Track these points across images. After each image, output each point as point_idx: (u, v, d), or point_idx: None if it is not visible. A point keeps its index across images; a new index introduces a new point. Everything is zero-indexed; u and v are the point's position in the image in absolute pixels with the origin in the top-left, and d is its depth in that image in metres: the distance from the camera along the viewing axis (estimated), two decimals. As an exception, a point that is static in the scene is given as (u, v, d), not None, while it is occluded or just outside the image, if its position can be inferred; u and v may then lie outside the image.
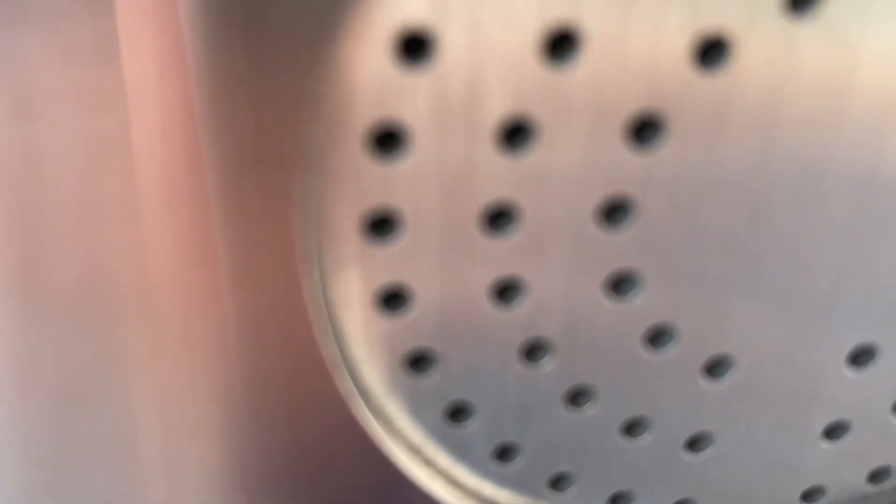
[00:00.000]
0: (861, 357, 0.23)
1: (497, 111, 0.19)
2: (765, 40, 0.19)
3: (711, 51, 0.19)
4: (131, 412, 0.22)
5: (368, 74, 0.18)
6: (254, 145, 0.18)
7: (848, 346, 0.23)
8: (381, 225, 0.20)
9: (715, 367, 0.23)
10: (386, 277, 0.21)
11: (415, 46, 0.18)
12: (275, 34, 0.17)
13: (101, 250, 0.19)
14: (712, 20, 0.18)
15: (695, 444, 0.24)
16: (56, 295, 0.19)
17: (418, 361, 0.22)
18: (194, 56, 0.17)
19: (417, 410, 0.23)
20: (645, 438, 0.24)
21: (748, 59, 0.19)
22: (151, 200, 0.19)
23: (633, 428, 0.24)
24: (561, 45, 0.18)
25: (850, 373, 0.23)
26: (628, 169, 0.20)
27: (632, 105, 0.19)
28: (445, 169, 0.19)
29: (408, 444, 0.23)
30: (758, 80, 0.19)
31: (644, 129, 0.19)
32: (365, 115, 0.18)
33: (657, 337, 0.22)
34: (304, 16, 0.17)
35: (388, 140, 0.19)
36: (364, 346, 0.21)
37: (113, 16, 0.17)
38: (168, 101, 0.18)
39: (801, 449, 0.24)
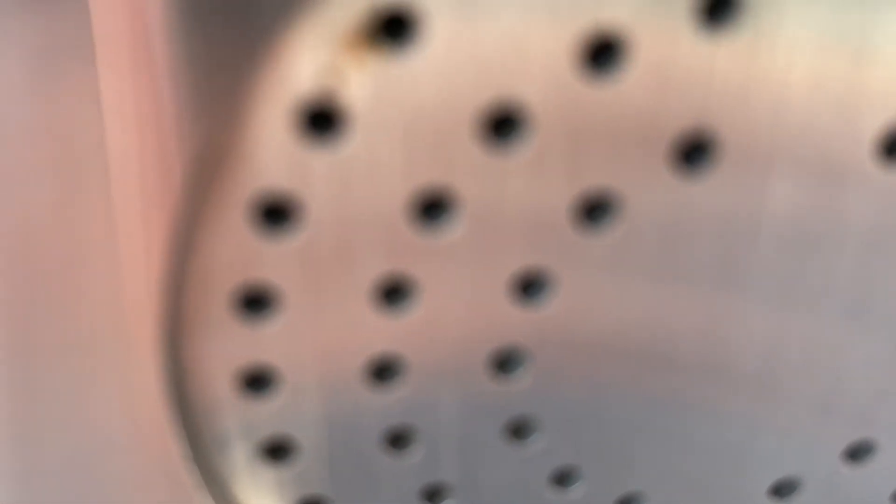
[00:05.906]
0: (783, 489, 0.22)
1: (371, 274, 0.18)
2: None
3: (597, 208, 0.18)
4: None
5: (228, 242, 0.17)
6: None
7: (770, 479, 0.22)
8: (258, 380, 0.19)
9: (628, 504, 0.22)
10: (269, 430, 0.20)
11: (278, 211, 0.17)
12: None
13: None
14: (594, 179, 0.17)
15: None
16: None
17: (310, 509, 0.21)
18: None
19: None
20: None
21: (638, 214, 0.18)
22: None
23: (544, 566, 0.23)
24: (434, 207, 0.18)
25: (772, 505, 0.22)
26: (517, 324, 0.19)
27: (514, 263, 0.18)
28: (321, 328, 0.18)
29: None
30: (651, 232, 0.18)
31: (531, 286, 0.19)
32: (228, 280, 0.17)
33: (563, 478, 0.22)
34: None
35: (258, 301, 0.18)
36: (251, 493, 0.21)
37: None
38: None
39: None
